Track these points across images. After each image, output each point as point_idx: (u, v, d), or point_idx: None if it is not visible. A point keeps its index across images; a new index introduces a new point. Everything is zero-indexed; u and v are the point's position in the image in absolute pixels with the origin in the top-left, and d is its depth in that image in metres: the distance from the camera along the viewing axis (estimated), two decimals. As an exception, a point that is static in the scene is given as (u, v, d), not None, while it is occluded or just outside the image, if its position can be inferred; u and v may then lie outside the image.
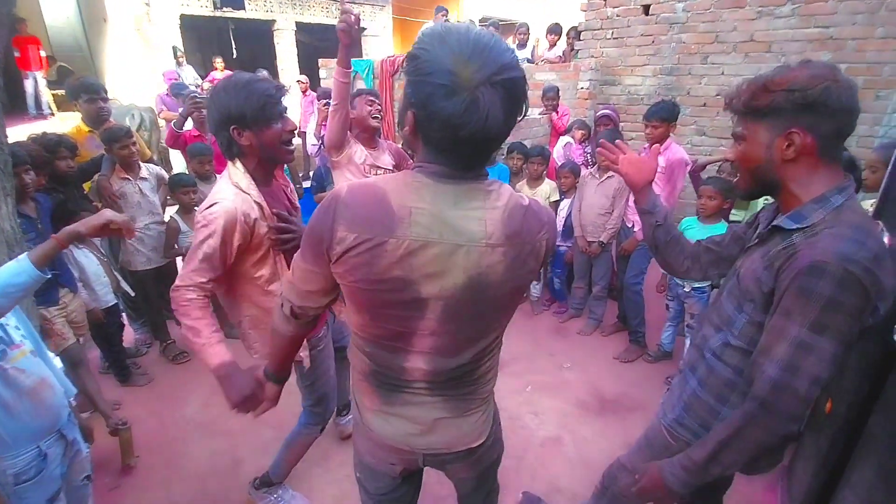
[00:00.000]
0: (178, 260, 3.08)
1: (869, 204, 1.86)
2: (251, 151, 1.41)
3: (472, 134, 0.75)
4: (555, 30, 5.51)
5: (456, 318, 0.89)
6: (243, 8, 9.23)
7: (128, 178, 2.77)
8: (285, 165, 1.89)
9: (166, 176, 3.05)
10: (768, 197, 1.10)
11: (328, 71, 5.38)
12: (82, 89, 2.95)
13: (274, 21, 9.91)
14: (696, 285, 2.70)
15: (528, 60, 5.65)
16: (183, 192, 2.88)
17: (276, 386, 1.20)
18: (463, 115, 0.73)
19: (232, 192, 1.38)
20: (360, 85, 4.65)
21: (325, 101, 3.64)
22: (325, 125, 2.80)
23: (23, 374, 1.32)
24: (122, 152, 2.70)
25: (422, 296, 0.85)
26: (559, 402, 2.71)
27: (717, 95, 4.53)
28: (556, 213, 3.37)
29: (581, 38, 5.32)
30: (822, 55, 3.94)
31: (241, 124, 1.35)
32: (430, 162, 0.83)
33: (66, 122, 4.25)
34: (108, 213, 1.32)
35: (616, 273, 3.49)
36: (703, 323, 1.25)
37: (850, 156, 2.25)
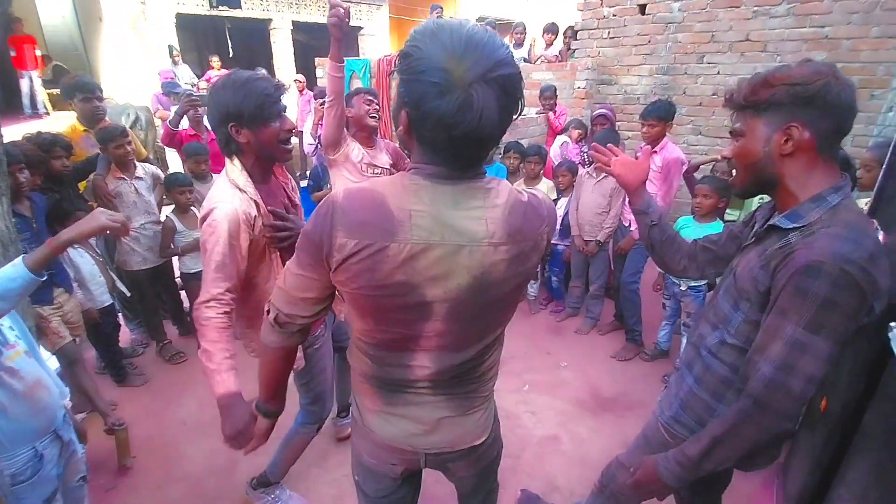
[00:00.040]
0: (175, 260, 3.07)
1: (864, 202, 1.88)
2: (249, 149, 1.40)
3: (466, 133, 0.74)
4: (551, 29, 5.50)
5: (461, 319, 0.89)
6: (239, 7, 9.18)
7: (123, 178, 2.75)
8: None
9: (162, 175, 3.05)
10: (763, 196, 1.11)
11: (325, 70, 5.36)
12: (77, 88, 2.93)
13: (270, 20, 9.86)
14: (693, 284, 2.71)
15: (525, 60, 5.64)
16: (179, 191, 2.88)
17: (266, 420, 1.16)
18: (456, 114, 0.72)
19: (229, 193, 1.37)
20: (358, 84, 4.64)
21: (321, 101, 3.62)
22: (321, 124, 2.78)
23: (18, 374, 1.31)
24: (118, 152, 2.69)
25: (426, 299, 0.84)
26: (556, 401, 2.71)
27: (713, 95, 4.54)
28: (553, 213, 3.38)
29: (577, 37, 5.32)
30: (817, 55, 3.95)
31: (239, 122, 1.34)
32: (427, 163, 0.82)
33: (62, 122, 4.22)
34: (101, 217, 1.28)
35: (613, 272, 3.50)
36: (700, 321, 1.26)
37: (844, 154, 2.27)
